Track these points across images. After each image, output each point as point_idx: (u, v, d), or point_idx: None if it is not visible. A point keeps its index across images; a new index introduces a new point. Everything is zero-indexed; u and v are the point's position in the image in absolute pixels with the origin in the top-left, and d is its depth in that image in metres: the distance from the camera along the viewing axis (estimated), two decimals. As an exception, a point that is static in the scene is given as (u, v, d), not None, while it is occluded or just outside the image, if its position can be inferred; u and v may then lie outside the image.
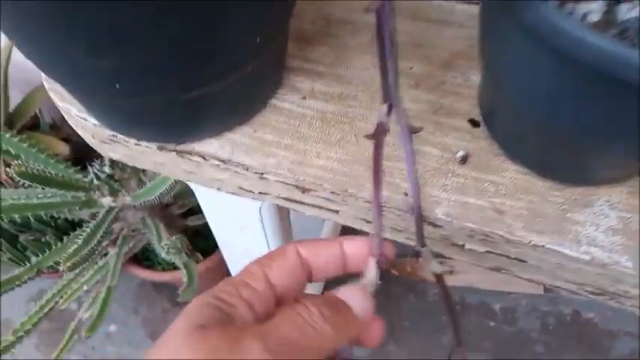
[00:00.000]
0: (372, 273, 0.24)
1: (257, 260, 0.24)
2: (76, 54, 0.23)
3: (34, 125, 1.06)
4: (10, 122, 1.01)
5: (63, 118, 1.19)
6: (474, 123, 0.33)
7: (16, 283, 0.66)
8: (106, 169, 0.72)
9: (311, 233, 1.00)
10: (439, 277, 0.37)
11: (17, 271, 0.67)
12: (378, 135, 0.24)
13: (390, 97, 0.24)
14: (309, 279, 0.25)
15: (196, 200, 0.89)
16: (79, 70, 0.24)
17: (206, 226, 0.96)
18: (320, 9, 0.39)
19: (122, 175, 0.75)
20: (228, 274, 1.04)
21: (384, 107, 0.24)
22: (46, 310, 0.69)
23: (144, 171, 0.79)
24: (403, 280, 1.07)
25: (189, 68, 0.25)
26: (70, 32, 0.22)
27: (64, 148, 0.94)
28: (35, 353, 1.03)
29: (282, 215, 0.53)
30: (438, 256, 0.34)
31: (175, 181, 0.60)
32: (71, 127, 1.16)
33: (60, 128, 1.09)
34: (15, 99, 1.00)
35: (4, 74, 0.93)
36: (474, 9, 0.38)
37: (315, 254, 0.24)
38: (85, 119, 0.33)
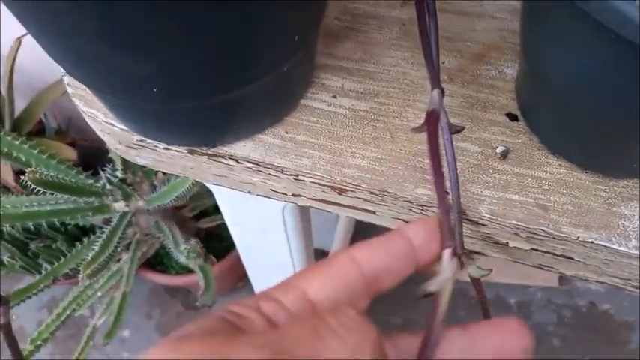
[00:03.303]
0: (447, 267, 0.20)
1: (298, 272, 0.21)
2: (113, 58, 0.22)
3: (39, 131, 1.05)
4: (16, 128, 1.00)
5: (69, 122, 1.18)
6: (512, 117, 0.32)
7: (33, 291, 0.65)
8: (118, 174, 0.71)
9: (323, 233, 0.99)
10: (476, 281, 0.36)
11: (33, 279, 0.67)
12: (432, 123, 0.22)
13: (438, 84, 0.23)
14: (376, 288, 0.20)
15: (208, 202, 0.89)
16: (114, 74, 0.24)
17: (218, 227, 0.96)
18: (345, 4, 0.38)
19: (134, 179, 0.74)
20: (243, 275, 1.04)
21: (435, 93, 0.23)
22: (63, 317, 0.69)
23: (155, 174, 0.78)
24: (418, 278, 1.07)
25: (229, 69, 0.24)
26: (106, 36, 0.21)
27: (71, 153, 0.93)
28: (50, 361, 1.02)
29: (305, 216, 0.53)
30: (475, 253, 0.33)
31: (192, 184, 0.59)
32: (77, 131, 1.13)
33: (66, 133, 1.08)
34: (19, 104, 0.99)
35: (9, 79, 0.92)
36: (503, 0, 0.37)
37: (374, 256, 0.20)
38: (112, 125, 0.32)
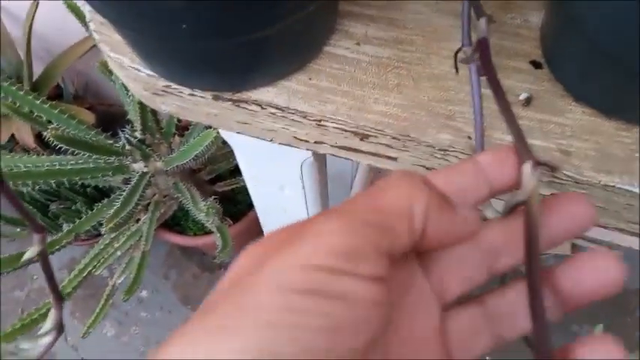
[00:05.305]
0: (531, 177, 0.18)
1: None
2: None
3: (57, 95, 1.06)
4: (35, 92, 1.01)
5: (85, 87, 1.19)
6: (536, 64, 0.32)
7: (56, 247, 0.66)
8: (137, 134, 0.72)
9: (337, 199, 1.00)
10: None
11: (56, 236, 0.68)
12: (484, 49, 0.23)
13: (484, 13, 0.23)
14: None
15: (224, 166, 0.90)
16: (146, 9, 0.24)
17: (233, 191, 0.97)
18: (368, -47, 0.37)
19: (153, 141, 0.75)
20: (257, 237, 1.05)
21: (482, 22, 0.23)
22: (84, 274, 0.70)
23: (173, 136, 0.78)
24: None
25: (258, 4, 0.24)
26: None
27: (89, 117, 0.94)
28: (71, 319, 1.05)
29: (322, 173, 0.53)
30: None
31: (211, 142, 0.59)
32: (94, 96, 1.14)
33: (83, 97, 1.09)
34: (36, 69, 1.00)
35: (27, 42, 0.93)
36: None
37: (446, 180, 0.19)
38: (138, 70, 0.33)
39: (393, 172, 0.19)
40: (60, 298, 0.26)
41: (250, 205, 0.83)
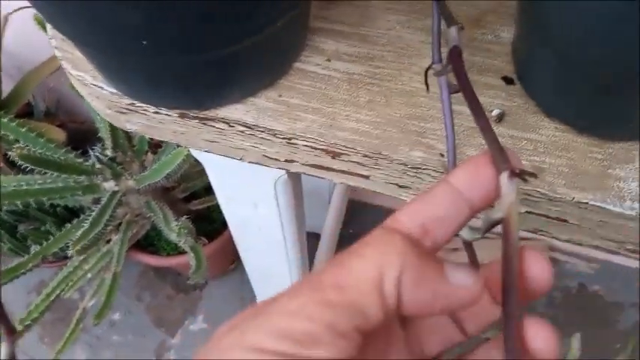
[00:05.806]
0: (508, 190, 0.17)
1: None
2: (102, 7, 0.22)
3: (27, 113, 1.04)
4: (3, 110, 0.98)
5: (57, 104, 1.16)
6: (508, 80, 0.32)
7: (21, 270, 0.64)
8: (108, 152, 0.70)
9: (315, 217, 0.99)
10: (468, 246, 0.36)
11: (22, 259, 0.66)
12: (455, 58, 0.21)
13: (455, 22, 0.23)
14: (431, 242, 0.18)
15: (199, 184, 0.88)
16: (103, 25, 0.23)
17: (208, 209, 0.95)
18: (339, -31, 0.37)
19: (124, 159, 0.73)
20: (234, 259, 1.03)
21: (453, 30, 0.22)
22: (52, 297, 0.68)
23: (146, 153, 0.77)
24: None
25: (222, 21, 0.23)
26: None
27: (60, 135, 0.92)
28: (40, 345, 1.02)
29: (297, 190, 0.52)
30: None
31: (183, 160, 0.58)
32: (66, 113, 1.12)
33: (55, 115, 1.07)
34: (7, 87, 0.97)
35: (-4, 60, 0.90)
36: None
37: (417, 211, 0.17)
38: (101, 87, 0.32)
39: (372, 232, 0.17)
40: (11, 330, 0.24)
41: (225, 224, 0.81)
